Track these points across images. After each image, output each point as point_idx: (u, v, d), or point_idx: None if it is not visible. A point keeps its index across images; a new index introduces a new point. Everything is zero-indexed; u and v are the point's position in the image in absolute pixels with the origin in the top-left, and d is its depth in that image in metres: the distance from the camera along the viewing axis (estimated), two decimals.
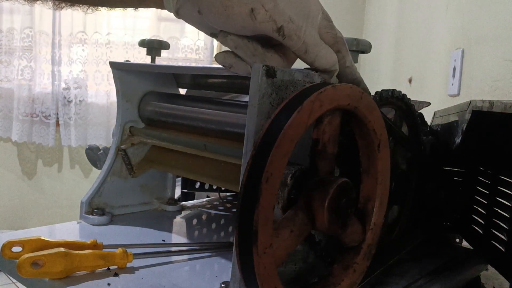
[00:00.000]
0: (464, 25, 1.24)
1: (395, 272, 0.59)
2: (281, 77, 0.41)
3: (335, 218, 0.39)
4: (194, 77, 0.78)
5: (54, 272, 0.49)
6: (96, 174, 0.93)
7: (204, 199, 0.93)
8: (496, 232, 0.65)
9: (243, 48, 0.44)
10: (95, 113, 2.53)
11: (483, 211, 0.69)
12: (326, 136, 0.41)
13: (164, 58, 2.53)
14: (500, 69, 1.03)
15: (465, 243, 0.75)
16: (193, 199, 0.97)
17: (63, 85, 2.50)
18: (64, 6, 0.47)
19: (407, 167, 0.60)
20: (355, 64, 0.49)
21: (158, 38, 1.02)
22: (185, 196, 0.97)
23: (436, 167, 0.67)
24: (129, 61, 0.82)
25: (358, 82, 0.48)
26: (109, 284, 0.51)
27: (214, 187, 0.95)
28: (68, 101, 2.50)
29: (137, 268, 0.55)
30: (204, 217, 0.81)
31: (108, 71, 2.48)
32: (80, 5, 0.47)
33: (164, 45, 0.86)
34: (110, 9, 0.48)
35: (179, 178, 0.92)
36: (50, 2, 0.46)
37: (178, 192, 0.89)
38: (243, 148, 0.40)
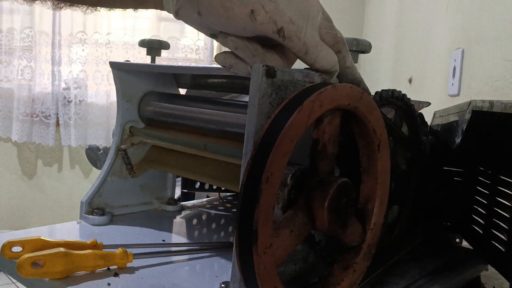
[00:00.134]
0: (464, 25, 1.24)
1: (395, 272, 0.59)
2: (281, 77, 0.41)
3: (335, 218, 0.39)
4: (194, 77, 0.78)
5: (54, 272, 0.49)
6: (96, 174, 0.93)
7: (204, 199, 0.93)
8: (496, 232, 0.65)
9: (243, 49, 0.43)
10: (95, 113, 2.53)
11: (483, 211, 0.69)
12: (326, 136, 0.41)
13: (164, 58, 2.53)
14: (500, 69, 1.03)
15: (465, 243, 0.75)
16: (193, 199, 0.97)
17: (63, 85, 2.50)
18: (63, 6, 0.47)
19: (407, 167, 0.60)
20: (355, 64, 0.49)
21: (158, 38, 1.02)
22: (185, 196, 0.97)
23: (436, 167, 0.67)
24: (129, 61, 0.82)
25: (358, 82, 0.48)
26: (109, 284, 0.51)
27: (214, 187, 0.95)
28: (68, 101, 2.50)
29: (137, 268, 0.55)
30: (204, 217, 0.81)
31: (108, 71, 2.48)
32: (79, 5, 0.47)
33: (164, 45, 0.86)
34: (110, 10, 0.48)
35: (179, 178, 0.92)
36: (49, 2, 0.46)
37: (178, 192, 0.89)
38: (243, 148, 0.40)
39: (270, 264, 0.36)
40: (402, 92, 0.55)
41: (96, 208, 0.71)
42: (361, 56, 0.68)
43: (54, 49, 2.45)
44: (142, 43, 0.85)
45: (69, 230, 0.68)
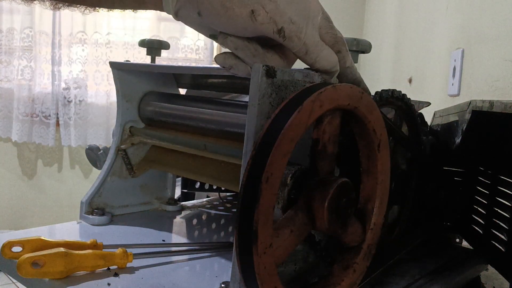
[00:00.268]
0: (464, 25, 1.24)
1: (395, 272, 0.59)
2: (281, 77, 0.41)
3: (335, 218, 0.39)
4: (194, 77, 0.78)
5: (54, 272, 0.49)
6: (96, 174, 0.93)
7: (204, 199, 0.93)
8: (496, 232, 0.65)
9: (243, 49, 0.43)
10: (95, 113, 2.53)
11: (483, 211, 0.69)
12: (326, 136, 0.41)
13: (164, 58, 2.53)
14: (500, 69, 1.03)
15: (465, 243, 0.75)
16: (193, 199, 0.97)
17: (63, 85, 2.50)
18: (61, 6, 0.47)
19: (407, 167, 0.60)
20: (355, 64, 0.49)
21: (158, 38, 1.02)
22: (185, 196, 0.97)
23: (436, 167, 0.67)
24: (129, 61, 0.82)
25: (358, 82, 0.48)
26: (109, 284, 0.51)
27: (214, 187, 0.95)
28: (68, 101, 2.50)
29: (137, 268, 0.55)
30: (204, 217, 0.81)
31: (108, 71, 2.48)
32: (78, 6, 0.47)
33: (164, 45, 0.86)
34: (109, 10, 0.48)
35: (179, 178, 0.92)
36: (47, 2, 0.46)
37: (178, 192, 0.89)
38: (243, 148, 0.40)
39: (270, 264, 0.36)
40: (402, 92, 0.55)
41: (96, 208, 0.71)
42: (361, 56, 0.68)
43: (54, 49, 2.45)
44: (142, 43, 0.85)
45: (69, 230, 0.68)
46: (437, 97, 1.38)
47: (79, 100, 2.50)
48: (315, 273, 0.46)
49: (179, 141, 0.69)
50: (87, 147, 1.07)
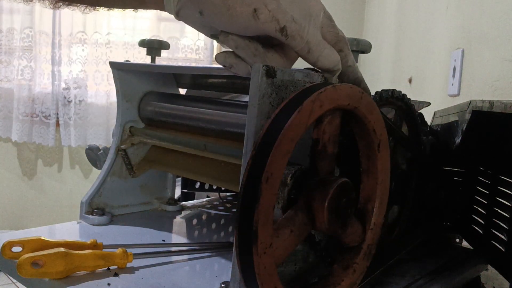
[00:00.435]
0: (464, 25, 1.24)
1: (395, 272, 0.59)
2: (281, 77, 0.41)
3: (335, 218, 0.39)
4: (194, 77, 0.78)
5: (54, 272, 0.49)
6: (96, 174, 0.93)
7: (204, 199, 0.93)
8: (496, 232, 0.65)
9: (244, 48, 0.44)
10: (94, 113, 2.53)
11: (483, 211, 0.69)
12: (326, 136, 0.41)
13: (164, 58, 2.53)
14: (500, 69, 1.03)
15: (465, 243, 0.75)
16: (193, 199, 0.97)
17: (63, 85, 2.50)
18: (61, 5, 0.47)
19: (407, 167, 0.60)
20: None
21: (158, 38, 1.02)
22: (185, 196, 0.97)
23: (436, 167, 0.67)
24: (129, 61, 0.82)
25: (359, 82, 0.48)
26: (109, 284, 0.51)
27: (214, 187, 0.95)
28: (68, 101, 2.50)
29: (137, 268, 0.55)
30: (204, 217, 0.81)
31: (108, 71, 2.48)
32: (78, 5, 0.47)
33: (164, 45, 0.86)
34: (109, 10, 0.48)
35: (179, 178, 0.92)
36: (47, 1, 0.46)
37: (178, 192, 0.89)
38: (243, 148, 0.40)
39: (270, 264, 0.36)
40: (402, 92, 0.55)
41: (96, 208, 0.71)
42: (361, 56, 0.68)
43: (54, 49, 2.45)
44: (142, 43, 0.85)
45: (69, 230, 0.68)
46: (437, 97, 1.38)
47: (79, 100, 2.50)
48: (315, 273, 0.46)
49: (179, 141, 0.69)
50: (87, 147, 1.07)
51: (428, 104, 0.70)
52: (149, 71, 0.75)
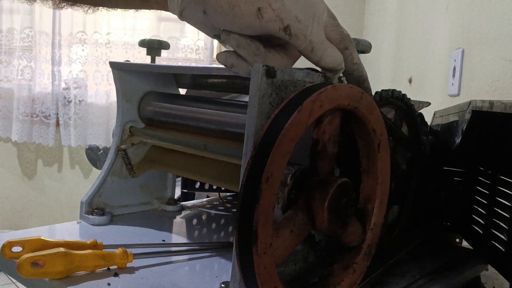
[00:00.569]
0: (464, 25, 1.24)
1: (395, 272, 0.59)
2: (281, 77, 0.41)
3: (335, 218, 0.39)
4: (194, 77, 0.78)
5: (54, 272, 0.49)
6: (96, 174, 0.93)
7: (204, 199, 0.93)
8: (496, 232, 0.65)
9: (245, 47, 0.44)
10: (94, 113, 2.53)
11: (483, 211, 0.69)
12: (326, 136, 0.41)
13: (164, 58, 2.53)
14: (500, 69, 1.03)
15: (465, 243, 0.75)
16: (193, 199, 0.97)
17: (63, 85, 2.50)
18: (64, 6, 0.47)
19: (407, 167, 0.60)
20: None
21: (158, 38, 1.02)
22: (185, 196, 0.97)
23: (436, 167, 0.67)
24: (129, 61, 0.82)
25: (364, 80, 0.48)
26: (109, 284, 0.51)
27: (214, 187, 0.95)
28: (68, 101, 2.50)
29: (137, 268, 0.55)
30: (204, 217, 0.81)
31: (108, 71, 2.48)
32: (81, 5, 0.47)
33: (164, 45, 0.85)
34: (112, 10, 0.48)
35: (179, 178, 0.92)
36: (50, 1, 0.46)
37: (178, 192, 0.89)
38: (243, 148, 0.40)
39: (270, 264, 0.36)
40: (402, 92, 0.55)
41: (96, 208, 0.71)
42: (361, 56, 0.68)
43: (54, 49, 2.45)
44: (142, 43, 0.85)
45: (69, 230, 0.68)
46: (437, 97, 1.38)
47: (79, 100, 2.50)
48: (315, 273, 0.46)
49: (179, 141, 0.69)
50: (87, 147, 1.07)
51: (428, 104, 0.70)
52: (149, 71, 0.75)
